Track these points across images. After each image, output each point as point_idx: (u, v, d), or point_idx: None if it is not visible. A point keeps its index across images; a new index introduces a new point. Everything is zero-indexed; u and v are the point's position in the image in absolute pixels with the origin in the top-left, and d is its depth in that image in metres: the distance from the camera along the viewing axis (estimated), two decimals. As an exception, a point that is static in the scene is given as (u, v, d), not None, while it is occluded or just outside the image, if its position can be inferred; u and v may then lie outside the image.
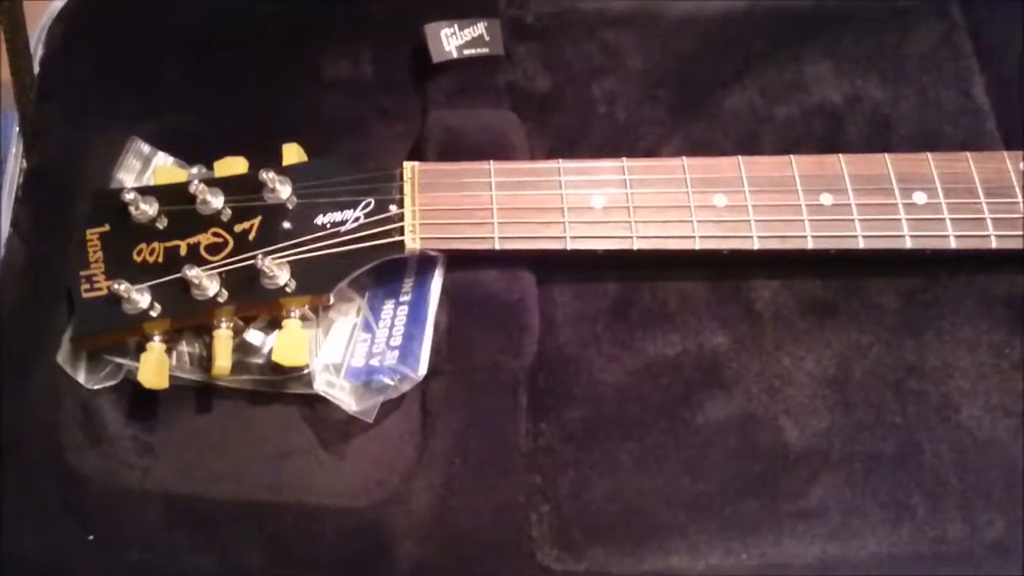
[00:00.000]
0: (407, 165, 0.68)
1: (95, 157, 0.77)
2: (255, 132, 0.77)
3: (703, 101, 0.79)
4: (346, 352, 0.71)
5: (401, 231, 0.66)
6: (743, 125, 0.78)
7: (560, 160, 0.69)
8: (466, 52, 0.78)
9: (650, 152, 0.77)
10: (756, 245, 0.67)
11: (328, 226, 0.67)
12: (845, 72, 0.80)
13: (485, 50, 0.79)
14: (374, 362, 0.69)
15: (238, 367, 0.68)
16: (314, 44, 0.82)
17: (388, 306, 0.72)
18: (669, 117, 0.78)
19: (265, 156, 0.70)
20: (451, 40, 0.78)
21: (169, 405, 0.70)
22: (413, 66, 0.80)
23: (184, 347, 0.70)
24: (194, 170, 0.74)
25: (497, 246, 0.66)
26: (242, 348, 0.68)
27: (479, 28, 0.79)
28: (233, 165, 0.71)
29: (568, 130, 0.78)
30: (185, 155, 0.76)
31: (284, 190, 0.68)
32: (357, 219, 0.67)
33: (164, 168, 0.74)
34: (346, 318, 0.72)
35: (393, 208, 0.67)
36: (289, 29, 0.83)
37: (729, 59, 0.80)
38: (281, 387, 0.69)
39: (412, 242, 0.66)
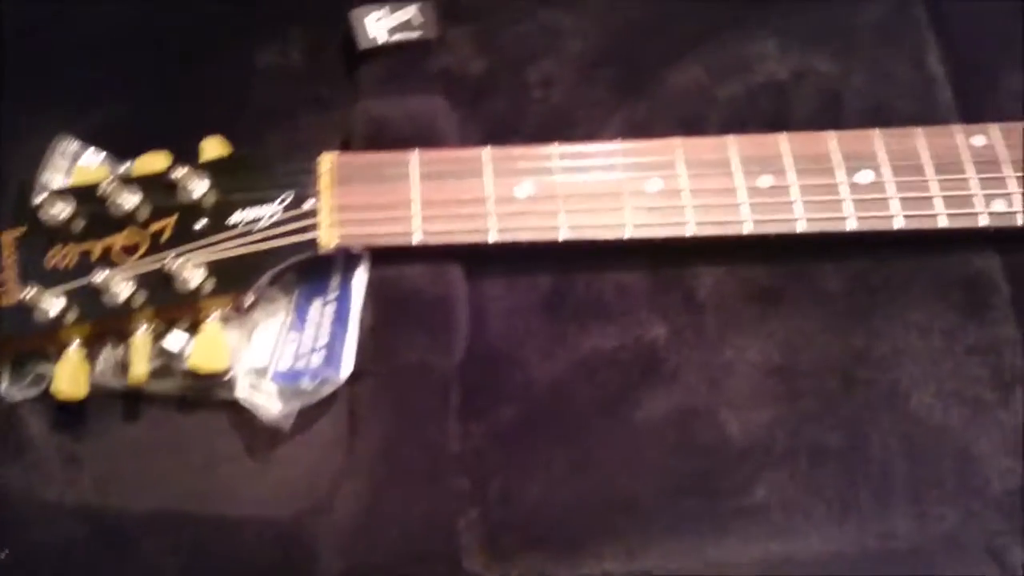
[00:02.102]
0: (324, 157, 0.66)
1: (21, 158, 0.74)
2: (186, 125, 0.74)
3: (645, 82, 0.75)
4: (273, 354, 0.68)
5: (316, 227, 0.64)
6: (687, 105, 0.75)
7: (486, 147, 0.66)
8: (395, 37, 0.75)
9: (589, 136, 0.73)
10: (690, 232, 0.64)
11: (243, 223, 0.65)
12: (793, 47, 0.76)
13: (417, 34, 0.75)
14: (300, 364, 0.67)
15: (162, 373, 0.65)
16: (243, 33, 0.80)
17: (316, 305, 0.69)
18: (609, 99, 0.75)
19: (193, 150, 0.68)
20: (379, 24, 0.75)
21: (96, 414, 0.67)
22: (345, 52, 0.77)
23: (108, 353, 0.67)
24: (124, 167, 0.71)
25: (417, 241, 0.64)
26: (164, 353, 0.66)
27: (410, 11, 0.76)
28: (154, 162, 0.69)
29: (503, 116, 0.74)
30: (117, 151, 0.73)
31: (200, 187, 0.66)
32: (273, 215, 0.65)
33: (84, 168, 0.71)
34: (274, 319, 0.69)
35: (309, 203, 0.64)
36: (217, 18, 0.80)
37: (672, 37, 0.77)
38: (208, 393, 0.66)
39: (327, 239, 0.64)
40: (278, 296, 0.69)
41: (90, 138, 0.73)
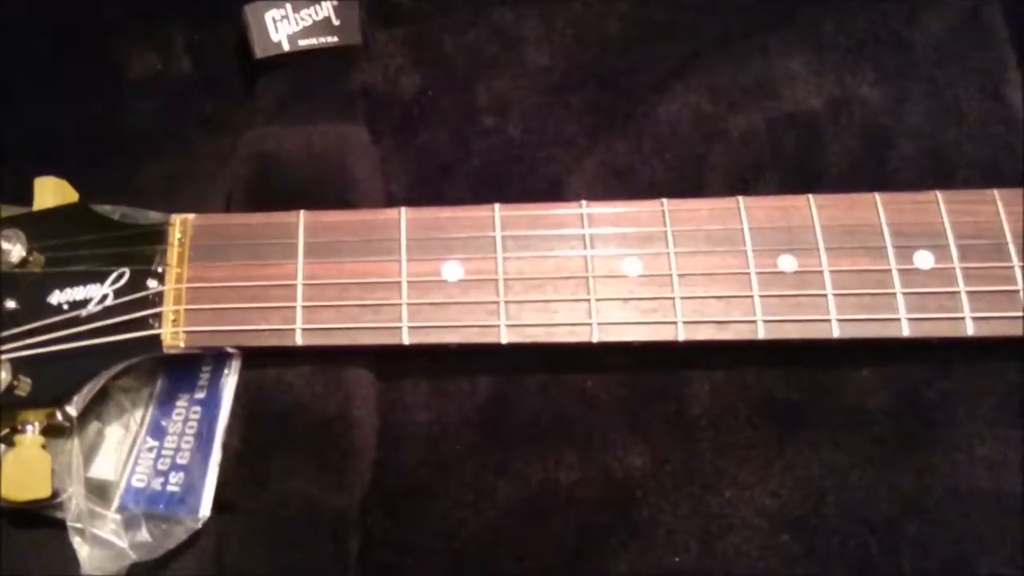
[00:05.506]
0: (175, 219, 0.48)
1: None
2: (31, 156, 0.59)
3: (631, 110, 0.59)
4: (127, 464, 0.53)
5: (159, 319, 0.46)
6: (685, 142, 0.59)
7: (399, 209, 0.48)
8: (304, 43, 0.58)
9: (554, 183, 0.57)
10: (682, 335, 0.47)
11: (65, 307, 0.48)
12: (828, 66, 0.60)
13: (332, 39, 0.60)
14: (157, 484, 0.53)
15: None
16: (112, 31, 0.64)
17: (182, 402, 0.55)
18: (583, 132, 0.59)
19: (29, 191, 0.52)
20: (282, 26, 0.57)
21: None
22: (241, 58, 0.61)
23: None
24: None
25: (299, 341, 0.46)
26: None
27: (324, 8, 0.59)
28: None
29: (441, 152, 0.59)
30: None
31: (15, 251, 0.50)
32: (104, 297, 0.48)
33: None
34: (129, 414, 0.54)
35: (152, 284, 0.47)
36: (78, 13, 0.64)
37: (668, 50, 0.61)
38: (39, 510, 0.52)
39: (173, 337, 0.46)
40: (136, 385, 0.54)
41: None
